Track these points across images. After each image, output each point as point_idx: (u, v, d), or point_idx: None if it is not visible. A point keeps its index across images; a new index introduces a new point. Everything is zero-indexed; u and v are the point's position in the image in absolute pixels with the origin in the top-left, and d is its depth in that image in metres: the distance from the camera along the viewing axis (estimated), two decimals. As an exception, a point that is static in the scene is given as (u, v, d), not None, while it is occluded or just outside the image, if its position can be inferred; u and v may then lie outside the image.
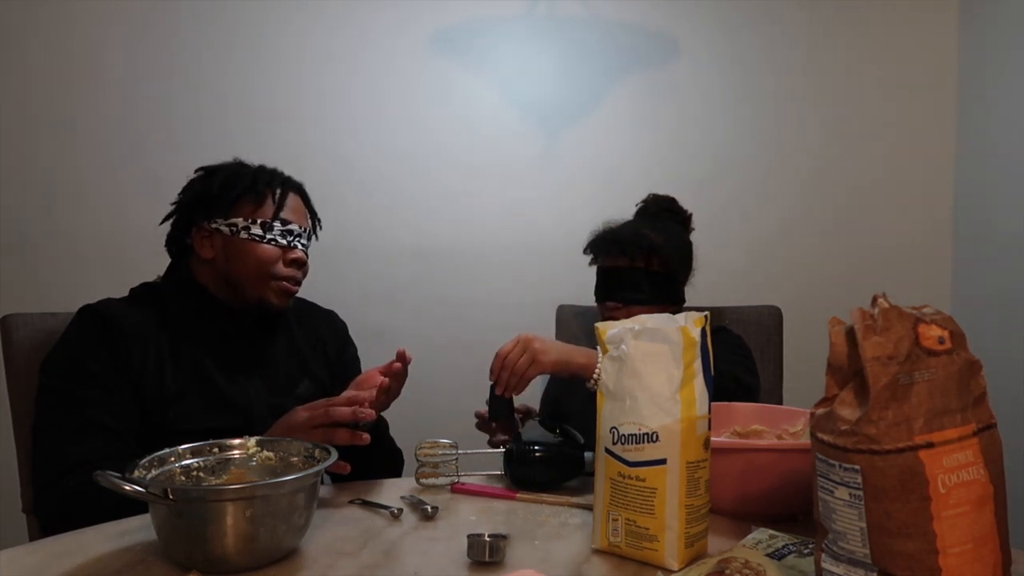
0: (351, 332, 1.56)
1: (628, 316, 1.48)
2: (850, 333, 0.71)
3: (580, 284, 2.19)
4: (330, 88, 2.23)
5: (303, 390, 1.38)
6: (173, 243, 1.37)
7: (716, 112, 2.35)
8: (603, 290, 1.62)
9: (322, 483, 1.08)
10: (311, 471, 0.91)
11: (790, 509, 1.02)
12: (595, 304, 1.66)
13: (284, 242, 1.32)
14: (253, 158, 1.41)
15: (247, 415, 1.29)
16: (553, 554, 0.93)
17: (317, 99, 2.22)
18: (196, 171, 1.38)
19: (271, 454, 1.03)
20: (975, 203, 2.33)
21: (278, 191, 1.34)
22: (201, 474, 0.99)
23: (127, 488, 0.85)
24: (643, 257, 1.56)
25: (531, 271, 2.30)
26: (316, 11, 2.21)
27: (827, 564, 0.73)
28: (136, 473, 0.90)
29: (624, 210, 1.69)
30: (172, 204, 1.38)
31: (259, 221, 1.31)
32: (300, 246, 1.35)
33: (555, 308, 1.99)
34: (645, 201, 1.74)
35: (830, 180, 2.39)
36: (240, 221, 1.30)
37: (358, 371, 1.54)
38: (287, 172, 1.40)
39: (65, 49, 2.11)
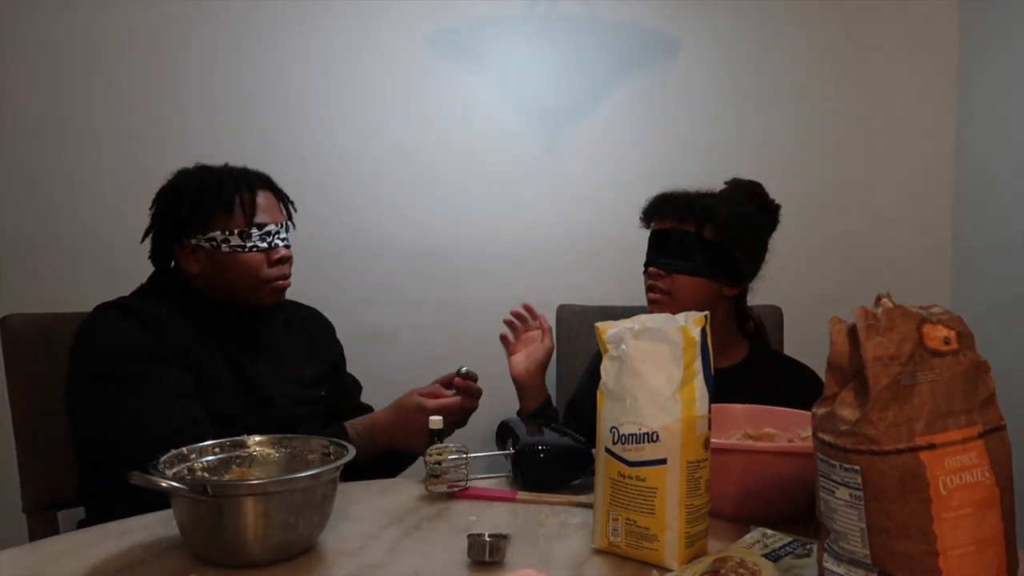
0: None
1: (672, 288, 1.41)
2: (852, 332, 0.71)
3: (580, 284, 2.20)
4: (330, 88, 2.22)
5: (309, 376, 1.45)
6: (158, 257, 1.40)
7: (716, 112, 2.35)
8: (648, 255, 1.44)
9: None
10: (341, 461, 0.94)
11: (791, 512, 1.01)
12: (594, 304, 1.61)
13: (265, 245, 1.34)
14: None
15: (265, 396, 1.35)
16: (553, 554, 0.93)
17: (317, 99, 2.22)
18: (165, 185, 1.39)
19: (288, 451, 1.05)
20: (975, 204, 2.33)
21: (246, 195, 1.34)
22: (222, 470, 1.01)
23: (163, 484, 0.86)
24: (694, 221, 1.38)
25: (531, 271, 2.29)
26: (316, 11, 2.20)
27: (829, 564, 0.73)
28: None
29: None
30: (150, 211, 1.40)
31: (236, 231, 1.32)
32: (281, 243, 1.37)
33: (555, 308, 1.98)
34: (727, 183, 1.55)
35: (830, 180, 2.39)
36: (218, 235, 1.32)
37: (344, 370, 1.60)
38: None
39: (64, 49, 2.10)
